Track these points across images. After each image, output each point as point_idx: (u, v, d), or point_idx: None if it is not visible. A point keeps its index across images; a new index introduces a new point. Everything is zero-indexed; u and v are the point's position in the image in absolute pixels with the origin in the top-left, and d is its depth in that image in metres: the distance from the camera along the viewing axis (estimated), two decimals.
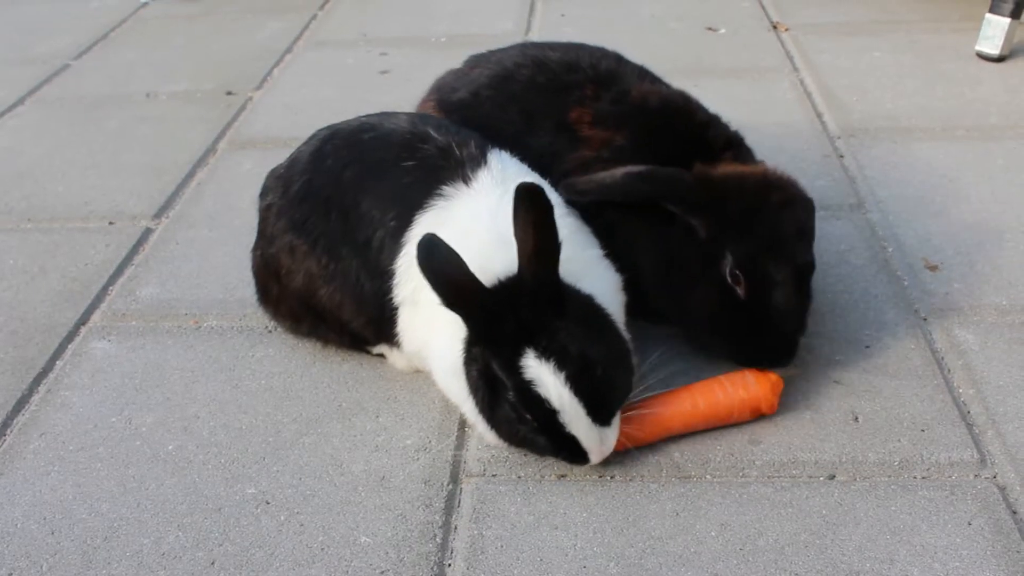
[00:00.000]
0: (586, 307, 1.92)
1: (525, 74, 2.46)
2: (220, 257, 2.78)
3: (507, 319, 1.81)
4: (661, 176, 2.13)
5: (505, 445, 1.97)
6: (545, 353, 1.80)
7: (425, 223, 2.02)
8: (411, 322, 2.08)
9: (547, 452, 1.91)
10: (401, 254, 2.05)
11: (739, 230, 2.09)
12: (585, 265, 2.00)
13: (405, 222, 2.05)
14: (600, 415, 1.85)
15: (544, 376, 1.80)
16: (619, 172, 2.15)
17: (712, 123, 2.37)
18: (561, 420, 1.82)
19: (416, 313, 2.05)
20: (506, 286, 1.86)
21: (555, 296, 1.84)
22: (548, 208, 1.76)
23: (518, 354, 1.81)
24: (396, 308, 2.08)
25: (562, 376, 1.79)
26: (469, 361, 1.92)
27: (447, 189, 2.05)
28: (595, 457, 1.88)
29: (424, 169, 2.09)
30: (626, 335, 2.00)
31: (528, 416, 1.84)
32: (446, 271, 1.81)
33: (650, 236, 2.18)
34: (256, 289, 2.41)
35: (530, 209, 1.76)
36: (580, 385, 1.80)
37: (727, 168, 2.23)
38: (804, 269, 2.15)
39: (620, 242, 2.18)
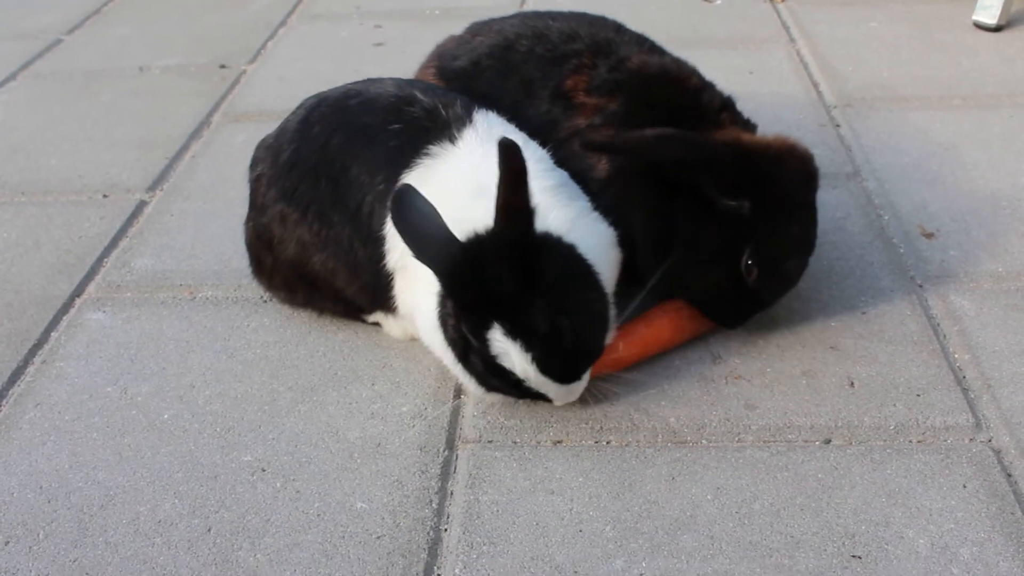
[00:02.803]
0: (564, 262, 1.87)
1: (525, 44, 2.45)
2: (215, 228, 2.77)
3: (476, 283, 1.79)
4: (688, 140, 2.06)
5: (486, 394, 1.99)
6: (512, 332, 1.78)
7: (410, 182, 2.00)
8: (403, 287, 2.07)
9: (521, 396, 1.95)
10: (389, 217, 2.03)
11: (771, 222, 2.07)
12: (573, 216, 1.96)
13: (392, 184, 2.03)
14: (570, 376, 1.88)
15: (511, 352, 1.80)
16: (649, 132, 2.07)
17: (706, 88, 2.36)
18: (528, 385, 1.86)
19: (405, 277, 2.05)
20: (479, 241, 1.81)
21: (527, 259, 1.78)
22: (520, 166, 1.71)
23: (486, 326, 1.79)
24: (390, 274, 2.08)
25: (529, 356, 1.80)
26: (445, 315, 1.91)
27: (433, 148, 2.04)
28: (560, 403, 1.95)
29: (411, 131, 2.08)
30: (606, 288, 1.96)
31: (498, 379, 1.88)
32: (417, 223, 1.81)
33: (654, 202, 2.15)
34: (250, 261, 2.40)
35: (502, 165, 1.72)
36: (548, 363, 1.81)
37: (756, 139, 2.18)
38: (809, 260, 2.19)
39: (619, 208, 2.15)
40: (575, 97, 2.32)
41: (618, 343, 2.08)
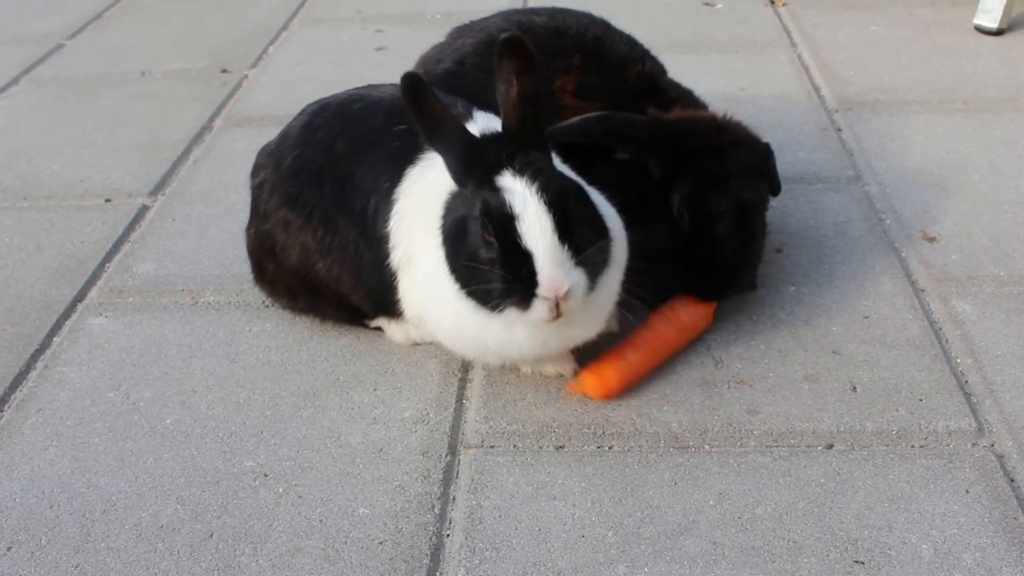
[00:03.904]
0: (571, 181, 1.92)
1: None
2: (216, 233, 2.77)
3: (490, 151, 1.82)
4: (615, 119, 2.22)
5: (470, 312, 1.87)
6: (521, 171, 1.79)
7: (413, 175, 2.04)
8: (408, 286, 2.07)
9: (501, 286, 1.78)
10: (392, 212, 2.05)
11: (688, 169, 2.18)
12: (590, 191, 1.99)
13: (396, 183, 2.06)
14: (564, 235, 1.76)
15: (515, 184, 1.78)
16: (576, 118, 2.22)
17: (681, 96, 2.44)
18: (520, 230, 1.75)
19: (410, 272, 2.05)
20: (491, 133, 1.88)
21: (541, 140, 1.84)
22: (532, 57, 1.76)
23: (495, 173, 1.80)
24: (395, 274, 2.08)
25: (534, 187, 1.77)
26: (447, 214, 1.91)
27: None
28: (546, 287, 1.74)
29: (414, 131, 2.08)
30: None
31: (488, 228, 1.78)
32: (430, 104, 1.82)
33: (614, 183, 2.18)
34: (252, 268, 2.40)
35: (513, 57, 1.76)
36: (549, 198, 1.77)
37: (679, 112, 2.32)
38: (749, 205, 2.24)
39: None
40: (563, 99, 2.34)
41: (626, 350, 2.09)
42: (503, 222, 1.76)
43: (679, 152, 2.20)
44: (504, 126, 1.84)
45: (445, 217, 1.92)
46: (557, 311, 1.76)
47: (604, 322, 1.99)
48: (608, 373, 2.07)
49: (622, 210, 2.07)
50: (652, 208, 2.19)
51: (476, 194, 1.81)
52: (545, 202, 1.76)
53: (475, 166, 1.82)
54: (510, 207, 1.76)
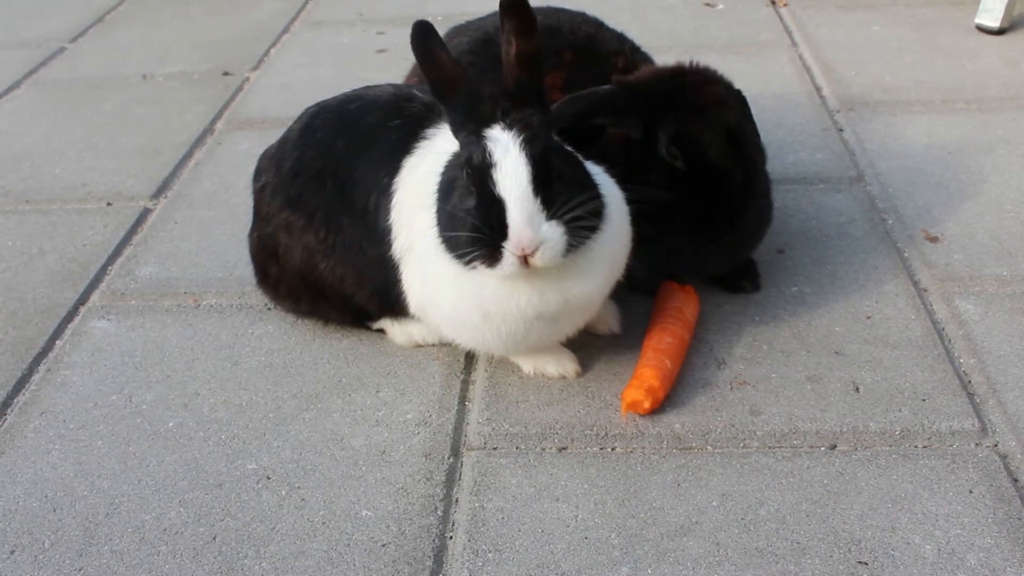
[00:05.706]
0: (562, 145, 1.92)
1: None
2: (219, 236, 2.77)
3: (487, 105, 1.84)
4: (582, 95, 2.20)
5: (451, 271, 1.88)
6: (512, 124, 1.80)
7: (410, 164, 2.05)
8: (411, 277, 2.07)
9: (470, 235, 1.78)
10: (392, 204, 2.05)
11: (664, 112, 2.16)
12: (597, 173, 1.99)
13: (393, 173, 2.07)
14: (540, 187, 1.76)
15: (501, 136, 1.79)
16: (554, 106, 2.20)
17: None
18: (495, 177, 1.76)
19: (412, 261, 2.04)
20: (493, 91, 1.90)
21: (538, 101, 1.85)
22: (531, 18, 1.80)
23: (487, 126, 1.81)
24: (398, 266, 2.08)
25: (519, 139, 1.78)
26: (443, 174, 1.93)
27: (430, 132, 2.08)
28: (513, 241, 1.74)
29: (411, 124, 2.11)
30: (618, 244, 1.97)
31: (469, 176, 1.79)
32: (438, 54, 1.85)
33: (601, 156, 2.18)
34: (255, 272, 2.40)
35: (513, 17, 1.79)
36: (531, 150, 1.77)
37: (643, 69, 2.34)
38: (735, 127, 2.20)
39: None
40: (550, 94, 2.34)
41: (664, 359, 2.09)
42: (482, 170, 1.78)
43: (652, 102, 2.18)
44: (503, 84, 1.86)
45: (441, 176, 1.94)
46: (526, 263, 1.75)
47: (604, 282, 1.95)
48: (655, 385, 2.04)
49: (615, 178, 2.06)
50: (641, 164, 2.17)
51: (466, 146, 1.84)
52: (527, 153, 1.77)
53: (471, 118, 1.84)
54: (490, 155, 1.77)
